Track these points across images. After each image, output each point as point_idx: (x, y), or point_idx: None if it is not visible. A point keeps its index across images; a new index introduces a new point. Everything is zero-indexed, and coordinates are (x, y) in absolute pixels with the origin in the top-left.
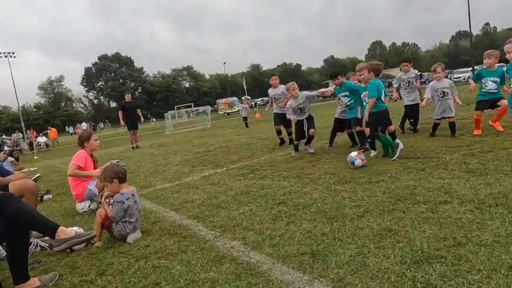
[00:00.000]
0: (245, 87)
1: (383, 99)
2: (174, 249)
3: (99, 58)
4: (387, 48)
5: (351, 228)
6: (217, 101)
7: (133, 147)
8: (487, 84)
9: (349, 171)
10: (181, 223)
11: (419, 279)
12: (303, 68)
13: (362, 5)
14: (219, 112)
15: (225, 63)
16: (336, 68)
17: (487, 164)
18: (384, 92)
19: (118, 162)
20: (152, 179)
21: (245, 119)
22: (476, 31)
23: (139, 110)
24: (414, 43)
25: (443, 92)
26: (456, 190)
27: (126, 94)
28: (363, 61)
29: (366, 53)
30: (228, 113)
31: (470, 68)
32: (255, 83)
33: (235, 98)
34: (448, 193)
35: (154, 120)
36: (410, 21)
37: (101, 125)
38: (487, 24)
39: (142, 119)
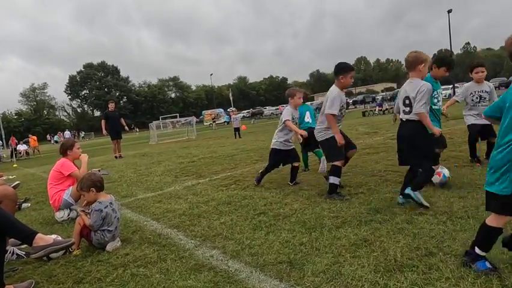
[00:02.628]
0: (231, 98)
1: (305, 121)
2: (153, 258)
3: (84, 66)
4: (372, 64)
5: (328, 238)
6: (203, 112)
7: (116, 157)
8: None
9: None
10: (161, 232)
11: (391, 287)
12: (289, 81)
13: (349, 22)
14: (204, 123)
15: (211, 74)
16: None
17: (462, 178)
18: (312, 113)
19: (99, 170)
20: (135, 188)
21: (236, 129)
22: (457, 50)
23: (123, 119)
24: (398, 60)
25: (480, 96)
26: (431, 202)
27: (109, 103)
28: None
29: None
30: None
31: (451, 86)
32: (242, 95)
33: (221, 110)
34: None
35: (138, 130)
36: (394, 39)
37: (83, 133)
38: (468, 43)
39: (126, 127)
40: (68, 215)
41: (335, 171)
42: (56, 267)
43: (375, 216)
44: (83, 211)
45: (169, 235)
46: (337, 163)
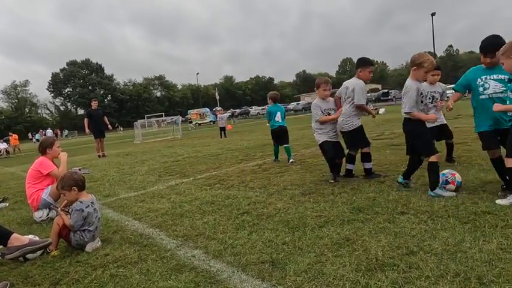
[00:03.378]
0: (217, 98)
1: (276, 120)
2: (134, 258)
3: (68, 64)
4: None
5: (311, 237)
6: (189, 111)
7: (99, 156)
8: None
9: (314, 182)
10: (143, 232)
11: (372, 286)
12: (276, 81)
13: (336, 23)
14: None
15: (197, 73)
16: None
17: None
18: (282, 113)
19: (80, 169)
20: (117, 187)
21: (222, 129)
22: (440, 52)
23: (106, 118)
24: (383, 61)
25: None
26: (413, 202)
27: (92, 101)
28: (334, 77)
29: (337, 69)
30: (199, 124)
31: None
32: (228, 94)
33: (207, 109)
34: (405, 205)
35: (122, 129)
36: (380, 41)
37: (66, 132)
38: (450, 46)
39: (109, 126)
40: (47, 214)
41: (368, 157)
42: (33, 269)
43: (358, 215)
44: (64, 211)
45: (150, 235)
46: (366, 149)
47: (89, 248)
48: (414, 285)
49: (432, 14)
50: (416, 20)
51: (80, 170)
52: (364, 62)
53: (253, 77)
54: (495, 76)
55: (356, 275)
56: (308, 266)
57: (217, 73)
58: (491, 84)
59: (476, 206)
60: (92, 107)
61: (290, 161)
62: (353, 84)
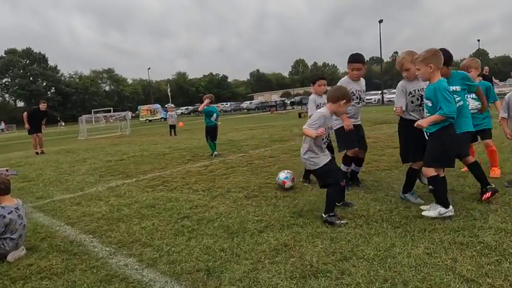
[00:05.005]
0: (169, 94)
1: (211, 119)
2: (61, 269)
3: (6, 52)
4: (309, 67)
5: (250, 243)
6: (139, 107)
7: (37, 153)
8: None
9: (258, 185)
10: (74, 239)
11: None
12: (230, 79)
13: (291, 25)
14: (140, 119)
15: (149, 68)
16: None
17: (380, 181)
18: (217, 114)
19: (7, 170)
20: (52, 188)
21: (172, 127)
22: (386, 58)
23: (45, 119)
24: (334, 64)
25: None
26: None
27: (41, 103)
28: (287, 77)
29: (290, 69)
30: (150, 120)
31: (380, 92)
32: (181, 91)
33: (158, 105)
34: (343, 209)
35: (63, 124)
36: (333, 44)
37: (3, 125)
38: (396, 52)
39: (44, 127)
40: None
41: (344, 160)
42: None
43: (298, 220)
44: None
45: (82, 242)
46: (348, 153)
47: (11, 257)
48: None
49: (380, 21)
50: (366, 26)
51: (7, 170)
52: (350, 59)
53: (207, 74)
54: None
55: (289, 283)
56: (244, 274)
57: (170, 69)
58: None
59: (408, 210)
60: (40, 109)
61: (215, 153)
62: None
